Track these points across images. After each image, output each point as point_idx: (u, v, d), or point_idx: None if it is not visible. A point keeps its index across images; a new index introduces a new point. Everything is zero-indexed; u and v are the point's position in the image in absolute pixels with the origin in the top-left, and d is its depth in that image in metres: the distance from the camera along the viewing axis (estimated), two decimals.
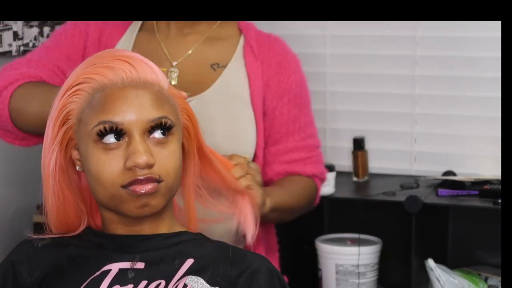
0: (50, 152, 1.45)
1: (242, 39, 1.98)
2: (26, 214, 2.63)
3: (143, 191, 1.37)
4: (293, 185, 1.96)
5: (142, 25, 1.98)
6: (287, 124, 1.98)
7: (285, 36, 2.91)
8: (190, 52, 1.94)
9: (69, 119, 1.42)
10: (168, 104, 1.42)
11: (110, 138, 1.38)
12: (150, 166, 1.37)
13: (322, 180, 2.07)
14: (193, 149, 1.50)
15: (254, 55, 1.95)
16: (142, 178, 1.37)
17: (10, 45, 2.54)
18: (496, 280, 2.52)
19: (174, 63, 1.92)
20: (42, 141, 1.50)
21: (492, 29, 2.59)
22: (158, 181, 1.38)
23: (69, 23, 1.97)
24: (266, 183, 1.93)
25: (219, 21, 1.97)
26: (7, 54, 2.54)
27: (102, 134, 1.37)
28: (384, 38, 2.80)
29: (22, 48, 2.56)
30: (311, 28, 2.86)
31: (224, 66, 1.94)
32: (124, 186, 1.37)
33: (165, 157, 1.39)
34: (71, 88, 1.42)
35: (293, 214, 1.99)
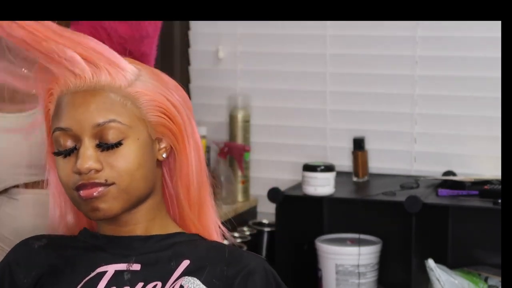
0: (46, 154, 1.49)
1: None
2: None
3: (87, 196, 1.38)
4: None
5: None
6: None
7: (285, 36, 2.93)
8: None
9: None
10: (120, 106, 1.41)
11: (66, 144, 1.40)
12: (95, 171, 1.38)
13: None
14: (182, 145, 1.49)
15: None
16: (86, 183, 1.38)
17: None
18: (496, 280, 2.52)
19: None
20: None
21: (492, 29, 2.60)
22: (106, 184, 1.39)
23: None
24: None
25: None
26: None
27: (58, 140, 1.41)
28: (384, 38, 2.80)
29: None
30: (311, 28, 2.87)
31: None
32: (76, 189, 1.39)
33: (115, 160, 1.39)
34: (49, 91, 1.44)
35: None
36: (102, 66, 1.42)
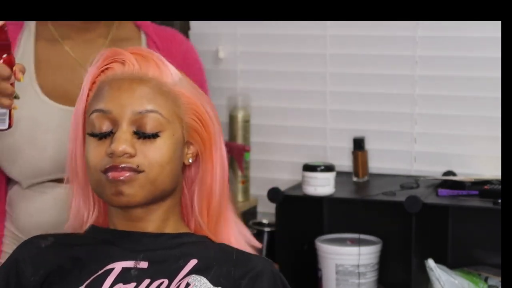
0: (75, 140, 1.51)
1: (143, 37, 1.98)
2: None
3: (115, 177, 1.39)
4: None
5: (37, 34, 1.92)
6: None
7: (285, 36, 2.93)
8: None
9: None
10: (164, 99, 1.43)
11: (102, 126, 1.41)
12: (129, 155, 1.39)
13: None
14: (209, 154, 1.50)
15: (158, 49, 1.95)
16: (117, 165, 1.39)
17: None
18: (496, 280, 2.52)
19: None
20: None
21: (492, 29, 2.59)
22: (137, 170, 1.39)
23: None
24: None
25: (116, 22, 1.95)
26: None
27: (94, 122, 1.42)
28: (384, 38, 2.80)
29: None
30: (311, 28, 2.87)
31: None
32: (104, 172, 1.40)
33: (149, 149, 1.41)
34: (90, 83, 1.49)
35: None
36: (151, 60, 1.46)
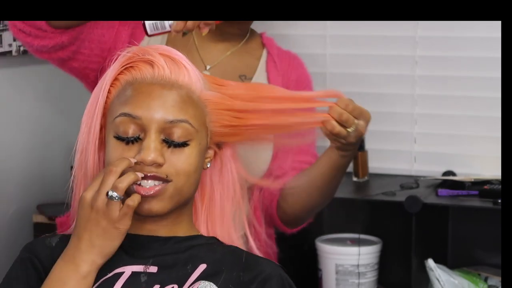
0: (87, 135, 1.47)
1: (265, 53, 2.02)
2: (26, 214, 2.63)
3: (147, 194, 1.38)
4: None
5: None
6: None
7: (285, 36, 2.92)
8: (222, 58, 1.97)
9: (106, 108, 1.46)
10: (194, 109, 1.42)
11: (129, 131, 1.39)
12: (158, 165, 1.38)
13: None
14: (224, 159, 1.50)
15: (277, 70, 1.99)
16: (147, 175, 1.38)
17: (10, 45, 2.54)
18: (496, 280, 2.52)
19: (208, 67, 1.94)
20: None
21: (492, 29, 2.59)
22: (166, 180, 1.38)
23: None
24: (279, 176, 1.95)
25: (248, 34, 2.01)
26: (7, 54, 2.54)
27: (120, 126, 1.40)
28: (384, 38, 2.80)
29: (22, 48, 2.56)
30: (311, 28, 2.86)
31: (250, 78, 1.97)
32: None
33: (177, 158, 1.40)
34: (112, 78, 1.45)
35: (324, 192, 1.96)
36: (181, 64, 1.44)
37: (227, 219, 1.51)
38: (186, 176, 1.40)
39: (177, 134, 1.40)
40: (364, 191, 2.67)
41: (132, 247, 1.44)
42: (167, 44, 1.90)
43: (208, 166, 1.49)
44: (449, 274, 2.51)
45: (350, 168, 2.79)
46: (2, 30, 2.50)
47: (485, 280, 2.54)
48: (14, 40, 2.54)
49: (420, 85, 2.78)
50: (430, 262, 2.48)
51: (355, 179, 2.76)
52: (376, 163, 2.81)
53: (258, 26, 2.89)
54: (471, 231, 2.68)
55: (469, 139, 2.73)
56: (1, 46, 2.51)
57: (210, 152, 1.49)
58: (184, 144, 1.40)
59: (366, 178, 2.76)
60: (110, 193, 1.36)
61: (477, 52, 2.69)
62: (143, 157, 1.37)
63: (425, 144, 2.79)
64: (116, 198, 1.36)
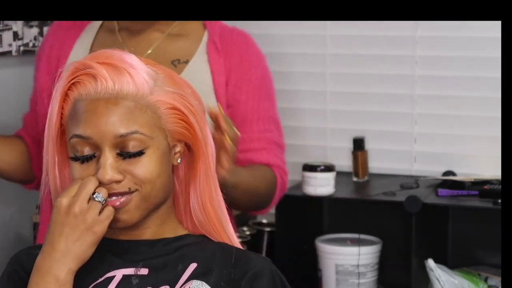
0: (48, 150, 1.46)
1: (206, 35, 1.99)
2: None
3: (113, 205, 1.38)
4: (252, 169, 1.96)
5: (101, 26, 1.98)
6: (244, 114, 1.99)
7: (286, 36, 2.93)
8: (149, 51, 1.94)
9: (62, 124, 1.44)
10: (144, 116, 1.39)
11: (84, 150, 1.38)
12: (117, 181, 1.38)
13: (282, 172, 2.04)
14: (200, 149, 1.47)
15: (217, 51, 1.96)
16: (110, 192, 1.38)
17: (10, 45, 2.54)
18: (496, 280, 2.52)
19: None
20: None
21: (492, 29, 2.59)
22: (129, 193, 1.38)
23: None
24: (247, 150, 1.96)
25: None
26: (7, 54, 2.54)
27: (75, 147, 1.39)
28: (384, 38, 2.80)
29: (22, 48, 2.56)
30: (311, 28, 2.86)
31: (186, 62, 1.95)
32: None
33: (136, 168, 1.38)
34: (62, 95, 1.42)
35: (251, 197, 1.95)
36: (123, 71, 1.40)
37: (215, 188, 1.49)
38: (151, 183, 1.39)
39: (132, 145, 1.38)
40: (364, 191, 2.67)
41: (121, 252, 1.43)
42: (92, 47, 1.90)
43: (179, 161, 1.47)
44: (449, 274, 2.51)
45: (350, 168, 2.79)
46: (2, 30, 2.50)
47: (485, 280, 2.54)
48: (14, 40, 2.54)
49: (420, 85, 2.78)
50: (430, 262, 2.47)
51: (355, 179, 2.76)
52: (376, 163, 2.81)
53: (258, 26, 2.90)
54: (471, 231, 2.68)
55: (469, 139, 2.73)
56: (1, 46, 2.51)
57: (178, 147, 1.46)
58: (139, 153, 1.38)
59: (366, 178, 2.76)
60: (96, 194, 1.36)
61: (477, 52, 2.69)
62: (100, 178, 1.37)
63: (425, 144, 2.79)
64: (102, 200, 1.37)
